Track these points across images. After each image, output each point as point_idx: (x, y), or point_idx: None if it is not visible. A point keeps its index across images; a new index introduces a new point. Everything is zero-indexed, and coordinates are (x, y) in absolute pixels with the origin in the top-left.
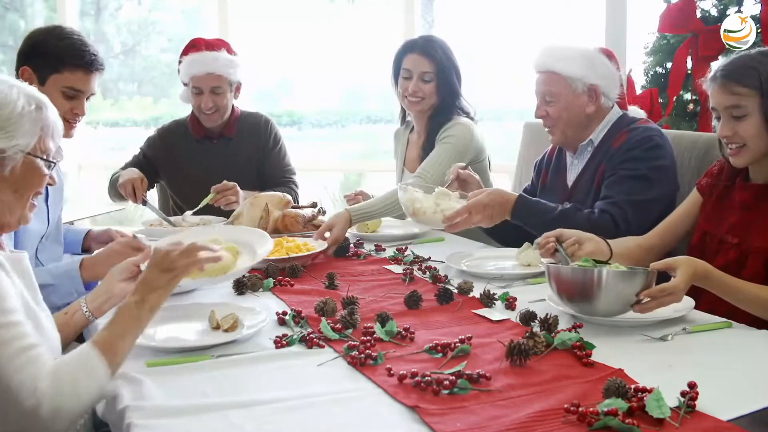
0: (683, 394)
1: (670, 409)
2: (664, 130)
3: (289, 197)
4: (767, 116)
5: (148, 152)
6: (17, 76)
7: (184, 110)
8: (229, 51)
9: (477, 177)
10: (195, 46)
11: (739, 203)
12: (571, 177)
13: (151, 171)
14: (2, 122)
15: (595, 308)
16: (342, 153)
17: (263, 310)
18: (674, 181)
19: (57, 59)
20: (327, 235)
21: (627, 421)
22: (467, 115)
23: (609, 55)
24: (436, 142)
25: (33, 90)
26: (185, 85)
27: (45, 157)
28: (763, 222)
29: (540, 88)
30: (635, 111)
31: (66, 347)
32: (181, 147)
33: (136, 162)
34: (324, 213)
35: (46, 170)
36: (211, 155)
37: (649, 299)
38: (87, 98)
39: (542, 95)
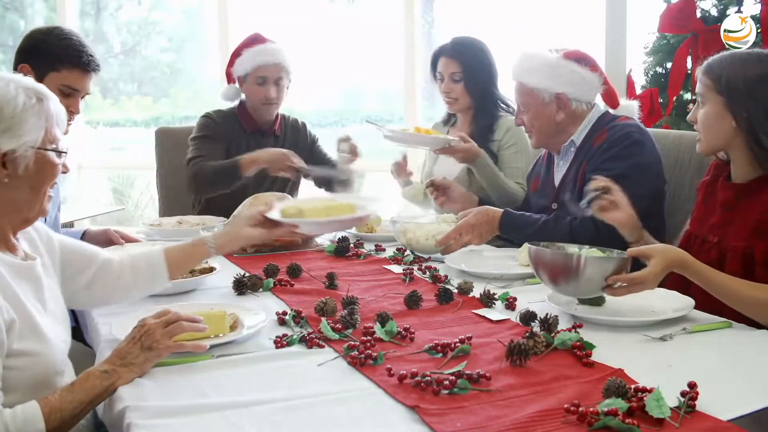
0: (683, 394)
1: (670, 409)
2: (663, 130)
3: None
4: (731, 113)
5: (215, 134)
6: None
7: (183, 110)
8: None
9: (454, 185)
10: (258, 39)
11: (721, 203)
12: (557, 177)
13: (223, 151)
14: (7, 122)
15: (568, 289)
16: None
17: (263, 310)
18: (659, 176)
19: (56, 58)
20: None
21: (627, 421)
22: (511, 112)
23: (579, 58)
24: (502, 149)
25: (30, 82)
26: (230, 81)
27: (54, 148)
28: (741, 221)
29: (515, 96)
30: (630, 106)
31: (176, 275)
32: (234, 137)
33: (206, 147)
34: None
35: (57, 160)
36: (261, 149)
37: (620, 284)
38: (82, 97)
39: (517, 104)
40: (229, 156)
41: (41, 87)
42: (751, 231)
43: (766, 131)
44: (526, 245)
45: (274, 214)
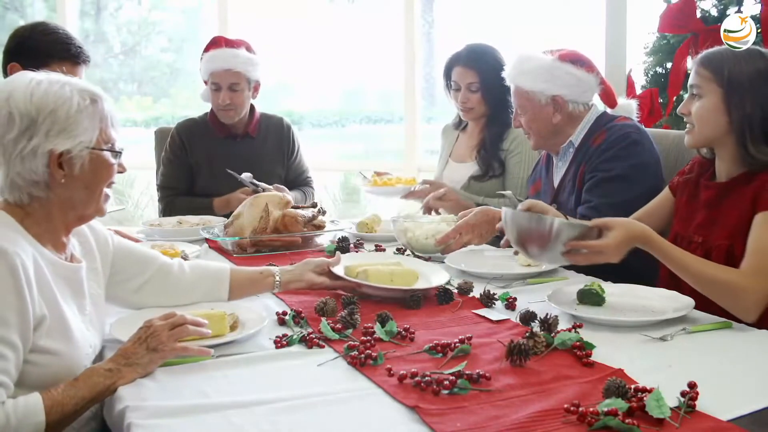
0: (683, 394)
1: (670, 409)
2: (663, 130)
3: (289, 198)
4: (727, 108)
5: (180, 154)
6: (5, 73)
7: (183, 110)
8: (249, 50)
9: (453, 199)
10: (216, 43)
11: (704, 202)
12: (556, 178)
13: (188, 172)
14: (62, 123)
15: (535, 251)
16: (342, 153)
17: (263, 310)
18: (657, 176)
19: (44, 53)
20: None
21: (627, 421)
22: None
23: (575, 59)
24: (507, 158)
25: (84, 83)
26: (206, 83)
27: (110, 148)
28: (724, 219)
29: (513, 99)
30: (628, 105)
31: (235, 296)
32: (205, 145)
33: (171, 174)
34: (324, 213)
35: (113, 160)
36: (235, 153)
37: (585, 251)
38: None
39: (515, 107)
40: (204, 162)
41: (96, 88)
42: (733, 228)
43: (755, 132)
44: None
45: (339, 270)
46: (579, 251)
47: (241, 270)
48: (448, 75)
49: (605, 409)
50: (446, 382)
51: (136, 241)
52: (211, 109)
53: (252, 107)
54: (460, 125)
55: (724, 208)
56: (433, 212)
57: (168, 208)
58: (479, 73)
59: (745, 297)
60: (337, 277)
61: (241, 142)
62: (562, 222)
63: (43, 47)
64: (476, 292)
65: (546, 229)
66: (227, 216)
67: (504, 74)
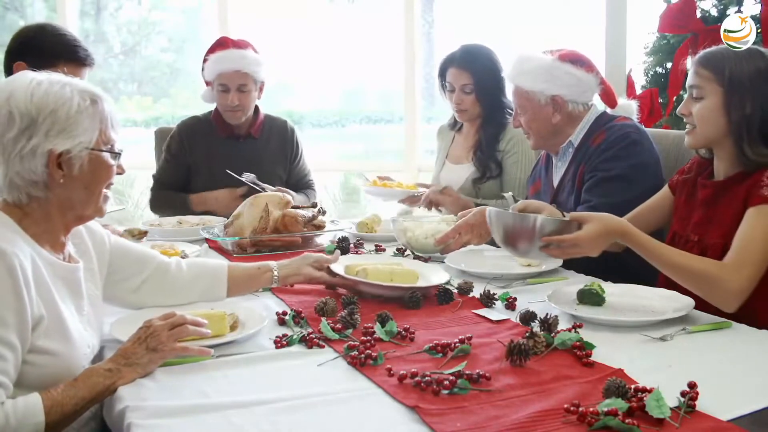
0: (683, 394)
1: (670, 409)
2: (663, 130)
3: (289, 198)
4: (726, 108)
5: (178, 153)
6: (8, 72)
7: (183, 110)
8: (254, 50)
9: (453, 195)
10: (223, 44)
11: (701, 201)
12: (556, 178)
13: (185, 171)
14: (62, 123)
15: (522, 249)
16: (342, 153)
17: (263, 310)
18: (657, 176)
19: (52, 54)
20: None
21: (627, 421)
22: None
23: (574, 59)
24: (504, 158)
25: (85, 84)
26: (208, 84)
27: (109, 149)
28: (720, 218)
29: (512, 99)
30: (628, 105)
31: (234, 293)
32: (207, 145)
33: (167, 170)
34: (324, 213)
35: (112, 161)
36: (236, 154)
37: (564, 245)
38: None
39: (515, 106)
40: (203, 161)
41: (96, 89)
42: (728, 227)
43: (752, 133)
44: None
45: (338, 268)
46: (558, 246)
47: (238, 266)
48: (442, 76)
49: (605, 409)
50: (446, 382)
51: (143, 234)
52: (215, 109)
53: (256, 108)
54: (455, 126)
55: (720, 207)
56: (433, 209)
57: (154, 201)
58: (473, 75)
59: (722, 286)
60: (336, 275)
61: (243, 142)
62: (544, 218)
63: (50, 48)
64: (476, 292)
65: (530, 226)
66: (226, 216)
67: (501, 75)
